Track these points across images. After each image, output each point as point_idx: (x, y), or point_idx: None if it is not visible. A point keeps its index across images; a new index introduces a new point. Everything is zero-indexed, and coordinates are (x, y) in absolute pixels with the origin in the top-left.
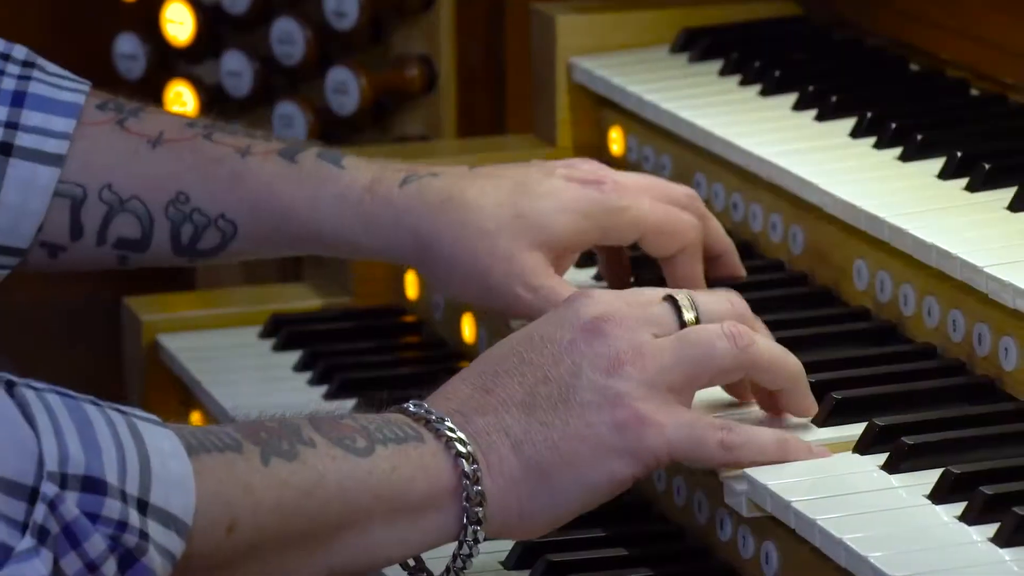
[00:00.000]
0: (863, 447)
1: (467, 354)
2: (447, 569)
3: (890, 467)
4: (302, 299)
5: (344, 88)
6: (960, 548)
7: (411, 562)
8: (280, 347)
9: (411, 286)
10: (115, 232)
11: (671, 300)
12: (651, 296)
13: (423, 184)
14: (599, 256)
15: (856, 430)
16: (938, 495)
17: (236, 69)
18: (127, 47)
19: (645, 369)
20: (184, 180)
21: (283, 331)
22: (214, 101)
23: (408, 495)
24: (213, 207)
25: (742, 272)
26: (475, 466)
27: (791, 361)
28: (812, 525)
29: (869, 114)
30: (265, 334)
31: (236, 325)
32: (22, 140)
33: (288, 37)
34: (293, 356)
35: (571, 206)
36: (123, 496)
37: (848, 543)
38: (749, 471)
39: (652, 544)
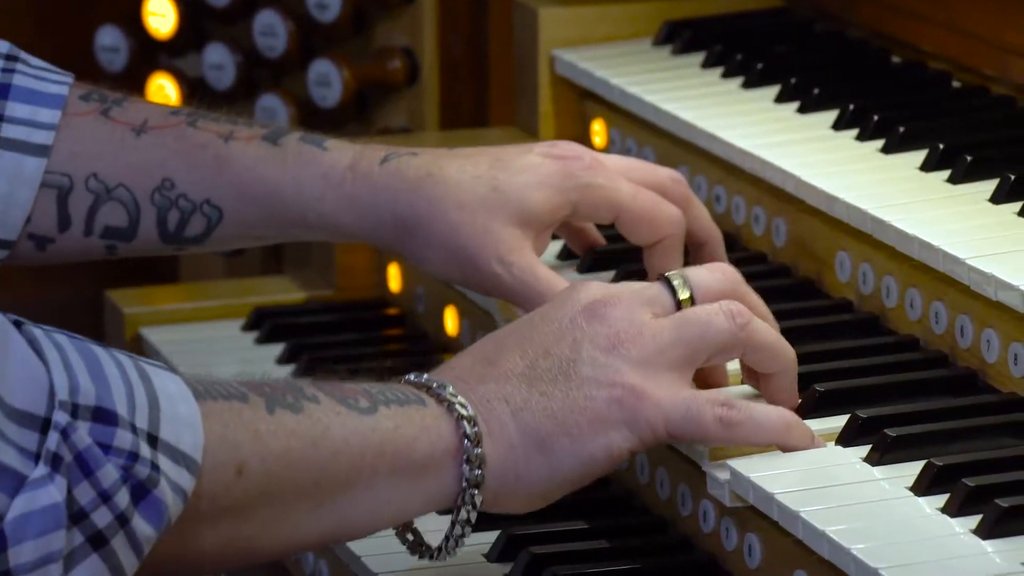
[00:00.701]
0: (846, 439)
1: (450, 346)
2: (446, 537)
3: (873, 459)
4: (285, 292)
5: (327, 80)
6: (943, 540)
7: (410, 536)
8: (263, 340)
9: (394, 279)
10: (102, 221)
11: (664, 280)
12: (645, 283)
13: (402, 162)
14: (562, 233)
15: (839, 422)
16: (921, 487)
17: (218, 62)
18: (109, 40)
19: (644, 347)
20: (169, 167)
21: (266, 324)
22: (196, 94)
23: (411, 454)
24: (198, 193)
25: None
26: (476, 428)
27: (786, 345)
28: (795, 517)
29: (851, 106)
30: (248, 327)
31: (219, 318)
32: (8, 132)
33: (270, 30)
34: (276, 349)
35: (546, 181)
36: (133, 429)
37: (831, 535)
38: (731, 463)
39: (635, 536)
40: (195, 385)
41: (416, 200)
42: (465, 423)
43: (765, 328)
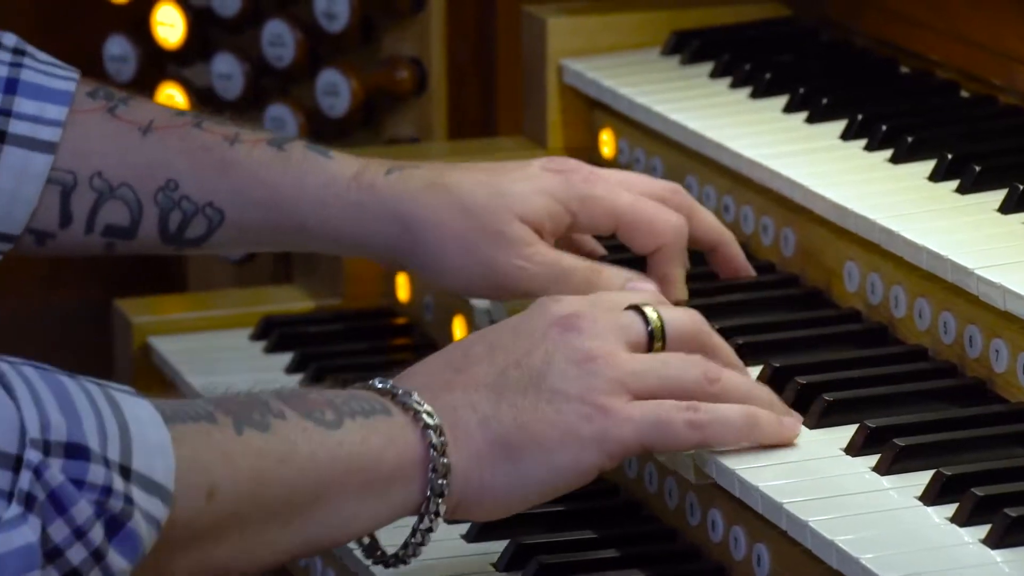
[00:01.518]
0: (854, 449)
1: None
2: (406, 544)
3: (882, 469)
4: (293, 301)
5: (335, 90)
6: (952, 549)
7: (366, 540)
8: (272, 349)
9: (402, 288)
10: (104, 219)
11: (636, 308)
12: (618, 301)
13: (406, 173)
14: (560, 248)
15: (848, 432)
16: (929, 496)
17: (227, 71)
18: (117, 49)
19: (617, 368)
20: (173, 168)
21: (274, 333)
22: (205, 104)
23: (379, 467)
24: (201, 195)
25: (749, 270)
26: (443, 438)
27: (758, 391)
28: (804, 527)
29: (860, 116)
30: (256, 336)
31: (227, 327)
32: (16, 128)
33: (279, 39)
34: (285, 358)
35: (546, 190)
36: (106, 462)
37: (840, 545)
38: (739, 471)
39: (644, 545)
40: (164, 408)
41: (420, 207)
42: (431, 432)
43: (736, 381)
